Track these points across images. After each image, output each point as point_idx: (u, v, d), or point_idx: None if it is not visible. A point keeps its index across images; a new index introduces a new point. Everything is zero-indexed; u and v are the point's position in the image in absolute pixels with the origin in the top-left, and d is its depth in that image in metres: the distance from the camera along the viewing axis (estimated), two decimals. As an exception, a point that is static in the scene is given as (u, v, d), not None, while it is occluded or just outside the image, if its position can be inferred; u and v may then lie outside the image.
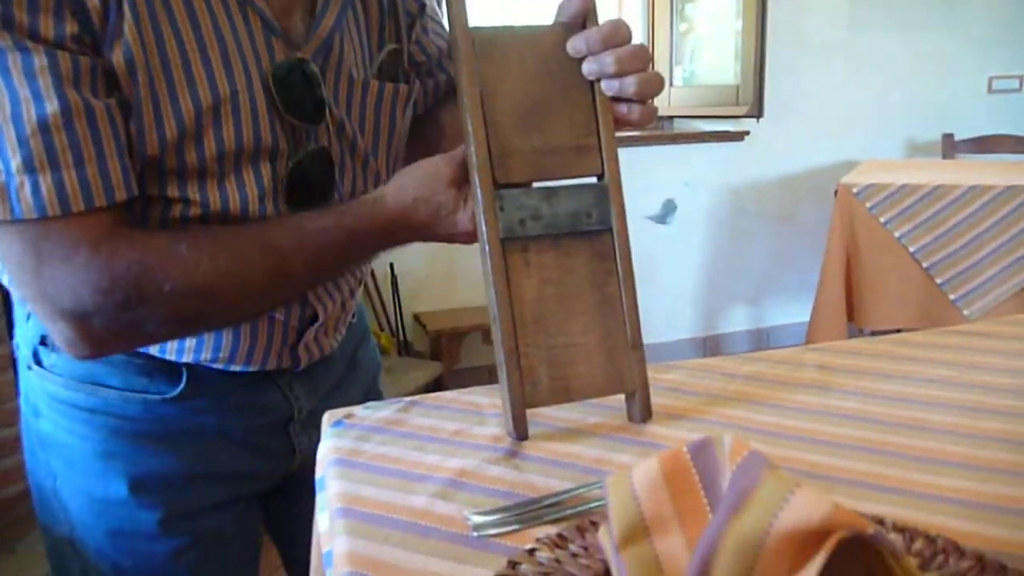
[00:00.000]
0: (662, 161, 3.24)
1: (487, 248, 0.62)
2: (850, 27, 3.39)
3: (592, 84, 0.65)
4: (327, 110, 0.73)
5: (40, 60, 0.58)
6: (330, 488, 0.59)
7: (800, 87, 3.35)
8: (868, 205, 2.46)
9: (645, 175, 3.19)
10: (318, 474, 0.65)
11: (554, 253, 0.64)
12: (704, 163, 3.33)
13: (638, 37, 3.43)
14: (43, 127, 0.58)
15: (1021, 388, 0.72)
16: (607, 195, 0.65)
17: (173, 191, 0.67)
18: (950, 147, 3.33)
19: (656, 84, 0.65)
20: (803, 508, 0.31)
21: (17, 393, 1.87)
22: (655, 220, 3.33)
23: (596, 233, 0.65)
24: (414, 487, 0.57)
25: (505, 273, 0.62)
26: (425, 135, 0.86)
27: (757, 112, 3.05)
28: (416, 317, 2.99)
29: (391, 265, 2.87)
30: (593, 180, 0.65)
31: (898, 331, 2.60)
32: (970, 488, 0.55)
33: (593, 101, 0.65)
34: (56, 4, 0.58)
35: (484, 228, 0.62)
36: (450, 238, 0.68)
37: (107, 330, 0.65)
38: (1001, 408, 0.67)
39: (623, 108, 0.66)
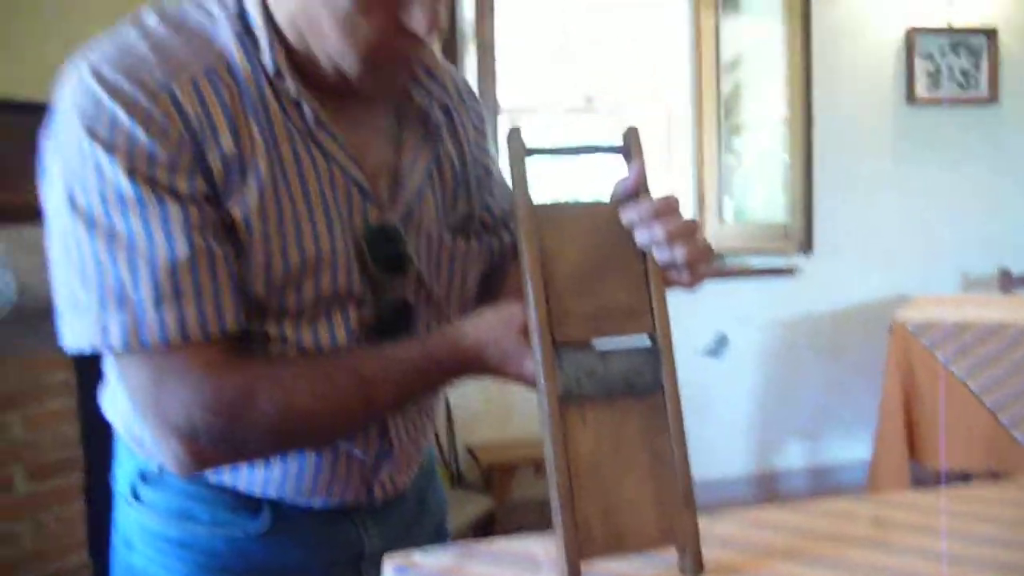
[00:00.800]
0: (713, 296, 3.27)
1: (546, 404, 0.66)
2: (896, 162, 3.45)
3: (644, 253, 0.71)
4: (409, 263, 0.81)
5: (175, 211, 0.68)
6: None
7: (849, 221, 3.39)
8: (925, 342, 2.44)
9: (697, 309, 3.22)
10: (379, 621, 0.67)
11: (609, 410, 0.68)
12: (755, 298, 3.35)
13: (687, 170, 3.57)
14: (173, 269, 0.68)
15: (1080, 549, 0.71)
16: (659, 357, 0.69)
17: (273, 329, 0.76)
18: (1007, 282, 3.31)
19: (704, 254, 0.71)
20: None
21: (84, 521, 1.92)
22: (707, 354, 3.33)
23: (649, 392, 0.69)
24: (473, 639, 0.59)
25: (563, 428, 0.66)
26: (490, 288, 0.93)
27: (806, 248, 3.09)
28: (469, 449, 3.00)
29: (445, 396, 2.92)
30: (646, 341, 0.70)
31: (964, 474, 2.51)
32: (1026, 657, 0.55)
33: (645, 268, 0.71)
34: (190, 167, 0.69)
35: (543, 385, 0.66)
36: (517, 379, 0.74)
37: (213, 447, 0.73)
38: (1059, 571, 0.67)
39: (673, 275, 0.72)
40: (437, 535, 1.00)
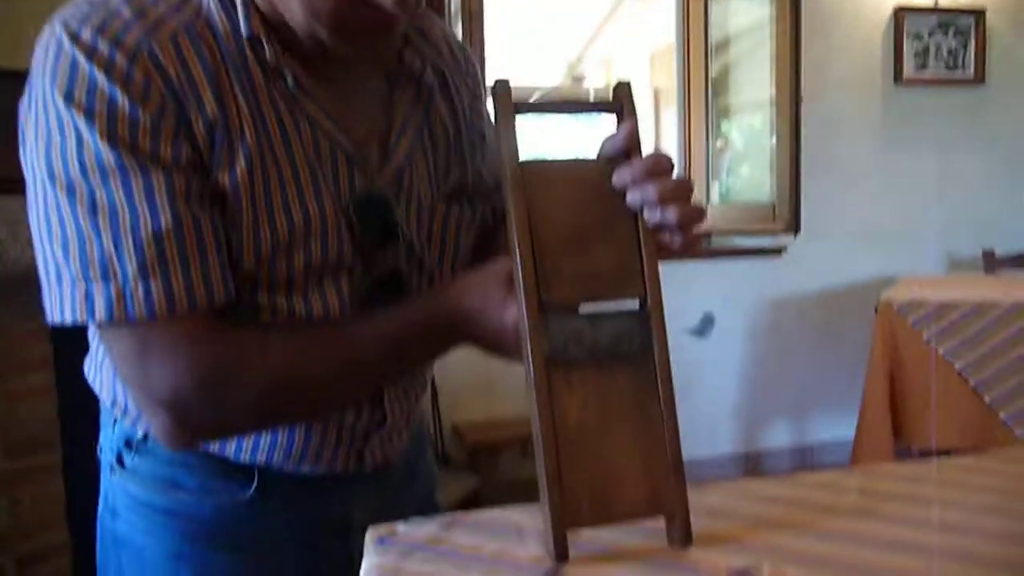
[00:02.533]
0: (700, 276, 3.27)
1: (531, 368, 0.64)
2: (885, 146, 3.46)
3: (636, 214, 0.69)
4: (399, 232, 0.79)
5: (158, 179, 0.66)
6: (372, 606, 0.60)
7: (836, 204, 3.39)
8: (911, 321, 2.44)
9: (683, 290, 3.21)
10: (361, 592, 0.65)
11: (596, 375, 0.66)
12: (742, 278, 3.35)
13: (674, 152, 3.56)
14: (157, 238, 0.66)
15: (1071, 518, 0.70)
16: (649, 321, 0.67)
17: (264, 299, 0.74)
18: (991, 263, 3.32)
19: (697, 215, 0.68)
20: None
21: (63, 499, 1.90)
22: (694, 334, 3.32)
23: (638, 357, 0.67)
24: (456, 607, 0.57)
25: (548, 393, 0.64)
26: (482, 256, 0.91)
27: (794, 229, 3.09)
28: (455, 428, 2.98)
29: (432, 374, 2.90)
30: (636, 305, 0.68)
31: (947, 452, 2.52)
32: (1020, 624, 0.54)
33: (636, 230, 0.69)
34: (175, 132, 0.67)
35: (529, 349, 0.64)
36: (498, 335, 0.70)
37: (200, 419, 0.71)
38: (1050, 539, 0.66)
39: (666, 237, 0.69)
40: (426, 505, 0.99)
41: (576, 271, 0.67)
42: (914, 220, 3.50)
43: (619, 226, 0.68)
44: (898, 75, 3.39)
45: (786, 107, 3.13)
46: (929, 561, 0.63)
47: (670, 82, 3.67)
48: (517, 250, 0.65)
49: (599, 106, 0.72)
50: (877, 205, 3.46)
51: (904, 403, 2.47)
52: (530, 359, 0.64)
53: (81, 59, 0.65)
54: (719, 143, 3.53)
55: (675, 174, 0.69)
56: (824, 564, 0.63)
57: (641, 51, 5.07)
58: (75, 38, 0.65)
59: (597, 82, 5.90)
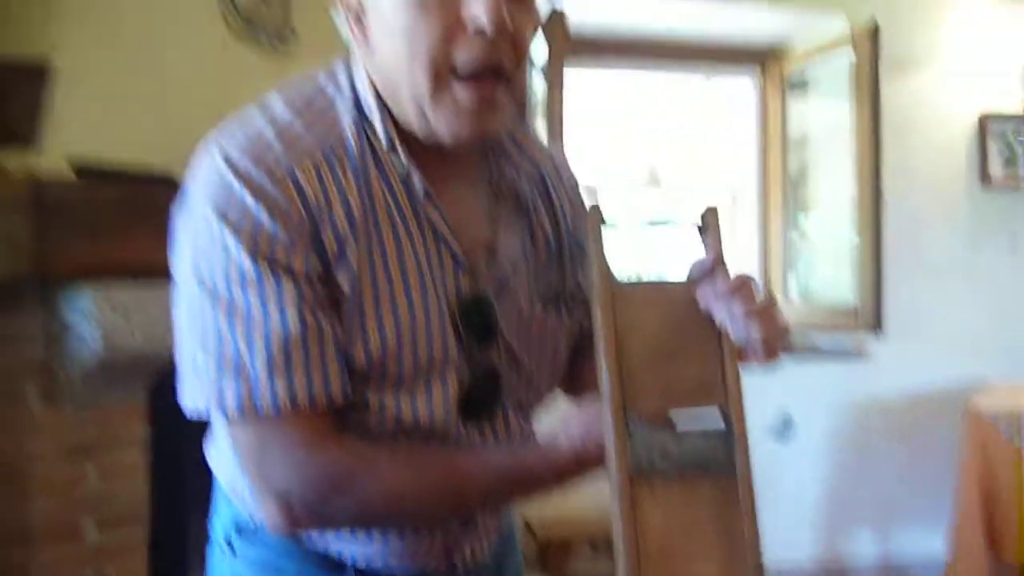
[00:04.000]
0: (779, 375, 3.20)
1: (616, 481, 0.66)
2: (970, 247, 3.37)
3: (720, 332, 0.71)
4: (499, 334, 0.84)
5: (290, 290, 0.74)
6: None
7: (920, 304, 3.30)
8: (1002, 430, 2.35)
9: (762, 389, 3.15)
10: None
11: (680, 487, 0.67)
12: (823, 379, 3.26)
13: (752, 247, 3.53)
14: (286, 343, 0.74)
15: None
16: (733, 439, 0.69)
17: (373, 398, 0.79)
18: (1089, 371, 3.16)
19: (781, 332, 0.71)
20: None
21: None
22: (772, 435, 3.24)
23: (722, 472, 0.68)
24: None
25: (632, 505, 0.66)
26: (579, 363, 0.95)
27: (877, 329, 3.02)
28: (525, 523, 2.95)
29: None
30: (718, 419, 0.70)
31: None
32: None
33: (720, 346, 0.71)
34: (307, 247, 0.75)
35: (613, 462, 0.67)
36: None
37: (305, 515, 0.77)
38: None
39: (749, 353, 0.71)
40: None
41: (660, 383, 0.69)
42: (1002, 324, 3.37)
43: (704, 342, 0.71)
44: (984, 177, 3.34)
45: (867, 205, 3.10)
46: None
47: (748, 177, 3.69)
48: (604, 367, 0.69)
49: (686, 225, 0.76)
50: (964, 307, 3.35)
51: (999, 515, 2.35)
52: (615, 471, 0.66)
53: (235, 183, 0.75)
54: (797, 238, 3.51)
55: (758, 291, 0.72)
56: None
57: (720, 146, 5.11)
58: (230, 163, 0.75)
59: (675, 181, 5.94)
